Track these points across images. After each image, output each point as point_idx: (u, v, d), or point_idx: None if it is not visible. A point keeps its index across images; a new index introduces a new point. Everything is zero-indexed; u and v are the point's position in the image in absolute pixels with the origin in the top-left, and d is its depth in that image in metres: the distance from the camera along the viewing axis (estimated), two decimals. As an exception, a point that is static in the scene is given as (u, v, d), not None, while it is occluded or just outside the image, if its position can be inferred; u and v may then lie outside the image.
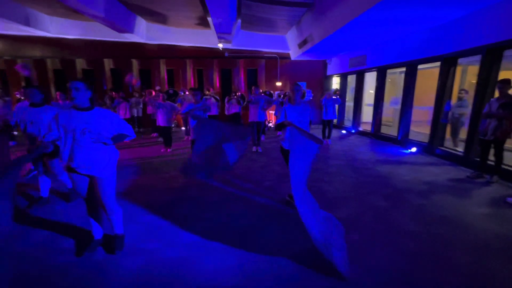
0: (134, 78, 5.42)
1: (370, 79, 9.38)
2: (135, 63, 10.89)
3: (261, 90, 7.81)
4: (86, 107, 2.20)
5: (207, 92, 8.54)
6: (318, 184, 4.31)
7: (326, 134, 7.86)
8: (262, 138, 8.14)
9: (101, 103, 9.00)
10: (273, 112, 10.42)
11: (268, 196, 3.82)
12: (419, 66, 6.90)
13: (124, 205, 3.34)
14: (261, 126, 6.89)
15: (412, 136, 7.28)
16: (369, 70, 8.89)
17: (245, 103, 9.22)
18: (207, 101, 4.74)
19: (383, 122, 8.75)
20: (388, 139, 8.06)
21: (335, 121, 11.22)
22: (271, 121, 10.89)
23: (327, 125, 7.78)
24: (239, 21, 9.21)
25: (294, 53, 10.77)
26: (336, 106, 7.98)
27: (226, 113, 8.09)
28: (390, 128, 8.50)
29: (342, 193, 3.96)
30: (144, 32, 9.89)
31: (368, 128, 9.11)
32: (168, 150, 6.88)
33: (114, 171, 2.35)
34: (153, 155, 6.48)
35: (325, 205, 3.48)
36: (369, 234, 2.83)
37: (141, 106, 9.54)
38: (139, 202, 3.60)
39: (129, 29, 8.74)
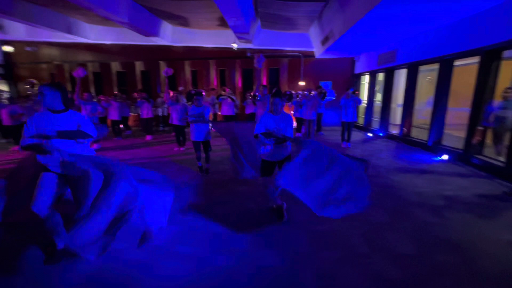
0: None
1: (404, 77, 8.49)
2: (162, 64, 11.46)
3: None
4: (58, 109, 2.29)
5: (223, 93, 8.58)
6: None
7: (346, 137, 7.31)
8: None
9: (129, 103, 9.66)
10: (293, 112, 10.06)
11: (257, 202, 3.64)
12: (457, 62, 6.01)
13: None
14: None
15: (446, 142, 6.38)
16: (399, 67, 8.04)
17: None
18: (207, 108, 4.67)
19: (418, 125, 7.85)
20: (417, 144, 7.19)
21: (360, 122, 10.48)
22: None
23: (347, 127, 7.23)
24: (259, 20, 9.10)
25: (318, 51, 10.28)
26: (357, 106, 7.36)
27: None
28: (425, 132, 7.58)
29: (339, 203, 3.59)
30: (170, 35, 10.35)
31: (398, 131, 8.27)
32: (181, 148, 7.07)
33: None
34: (166, 154, 6.69)
35: (310, 216, 3.19)
36: (351, 253, 2.49)
37: (166, 105, 10.01)
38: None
39: (155, 32, 9.22)
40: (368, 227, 2.96)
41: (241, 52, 10.84)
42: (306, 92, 8.21)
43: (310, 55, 11.00)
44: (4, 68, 11.31)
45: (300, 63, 11.20)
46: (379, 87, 9.75)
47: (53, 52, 11.49)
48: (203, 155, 4.83)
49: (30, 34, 10.40)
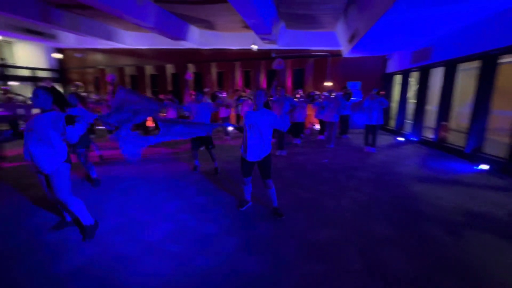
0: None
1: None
2: (191, 67, 11.97)
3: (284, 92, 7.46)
4: (46, 109, 2.45)
5: (244, 94, 8.64)
6: (320, 197, 3.80)
7: (370, 141, 6.85)
8: (298, 141, 7.72)
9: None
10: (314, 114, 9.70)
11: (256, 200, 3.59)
12: (504, 59, 5.24)
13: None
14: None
15: (488, 149, 5.61)
16: (435, 65, 7.27)
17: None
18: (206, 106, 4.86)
19: (458, 129, 7.02)
20: (453, 151, 6.44)
21: (391, 125, 9.71)
22: (315, 124, 10.21)
23: (371, 131, 6.76)
24: (282, 21, 8.98)
25: (345, 50, 9.78)
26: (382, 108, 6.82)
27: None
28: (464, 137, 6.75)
29: (341, 212, 3.37)
30: (198, 39, 10.76)
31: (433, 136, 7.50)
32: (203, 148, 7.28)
33: (63, 168, 2.52)
34: (182, 151, 6.96)
35: (308, 222, 3.06)
36: (340, 268, 2.32)
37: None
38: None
39: (182, 36, 9.66)
40: (367, 241, 2.73)
41: (266, 53, 10.82)
42: (326, 93, 7.87)
43: (337, 54, 10.54)
44: (58, 73, 12.85)
45: (327, 63, 10.79)
46: (412, 87, 8.95)
47: (98, 57, 12.73)
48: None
49: (79, 42, 11.67)
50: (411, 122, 8.61)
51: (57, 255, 2.48)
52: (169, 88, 12.13)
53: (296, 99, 7.57)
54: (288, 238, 2.81)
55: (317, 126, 10.12)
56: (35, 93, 2.40)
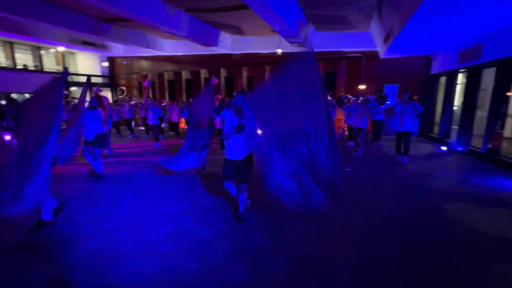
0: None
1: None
2: (222, 71, 12.35)
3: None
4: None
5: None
6: (329, 212, 3.55)
7: (402, 149, 6.23)
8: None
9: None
10: (343, 118, 9.15)
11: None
12: None
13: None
14: None
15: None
16: (487, 65, 6.32)
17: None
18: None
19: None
20: (507, 165, 5.49)
21: (434, 133, 8.69)
22: (345, 129, 9.65)
23: (404, 138, 6.15)
24: (311, 23, 8.74)
25: (382, 50, 9.10)
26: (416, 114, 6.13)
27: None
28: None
29: (348, 227, 3.10)
30: (229, 44, 11.07)
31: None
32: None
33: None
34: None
35: (308, 235, 2.89)
36: (328, 289, 2.13)
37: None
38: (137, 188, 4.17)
39: (214, 43, 10.04)
40: (368, 262, 2.46)
41: (296, 56, 10.63)
42: (353, 98, 7.39)
43: (372, 55, 9.87)
44: (108, 79, 14.39)
45: (361, 65, 10.16)
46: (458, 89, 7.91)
47: (142, 64, 13.93)
48: None
49: (125, 51, 12.94)
50: (458, 129, 7.60)
51: (66, 246, 2.75)
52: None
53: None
54: (283, 250, 2.68)
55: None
56: None
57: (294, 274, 2.31)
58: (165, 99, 12.79)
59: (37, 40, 10.52)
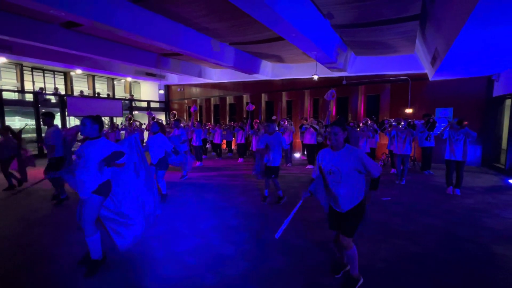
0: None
1: None
2: (263, 96, 12.95)
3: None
4: (92, 137, 2.63)
5: (305, 122, 8.67)
6: (357, 239, 3.39)
7: (454, 180, 5.60)
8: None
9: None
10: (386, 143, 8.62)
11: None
12: None
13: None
14: None
15: None
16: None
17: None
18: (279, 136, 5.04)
19: None
20: None
21: (502, 163, 7.55)
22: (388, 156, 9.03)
23: (456, 169, 5.53)
24: (350, 49, 8.79)
25: (430, 73, 8.56)
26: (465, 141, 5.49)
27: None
28: None
29: (373, 261, 2.92)
30: (270, 71, 11.72)
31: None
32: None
33: (96, 195, 2.56)
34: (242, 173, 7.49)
35: (328, 265, 2.83)
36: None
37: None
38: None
39: (255, 70, 10.77)
40: (389, 301, 2.30)
41: (336, 80, 10.66)
42: (394, 122, 7.00)
43: (420, 78, 9.32)
44: (164, 104, 16.31)
45: (408, 88, 9.63)
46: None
47: (192, 90, 15.51)
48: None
49: (179, 80, 14.66)
50: (529, 160, 6.51)
51: (109, 248, 3.20)
52: (244, 115, 13.43)
53: (359, 128, 7.07)
54: (299, 275, 2.68)
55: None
56: (82, 122, 2.63)
57: (305, 302, 2.30)
58: (210, 122, 13.86)
59: (111, 73, 12.74)
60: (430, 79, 9.03)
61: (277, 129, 5.17)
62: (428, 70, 8.58)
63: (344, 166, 2.26)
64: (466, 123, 5.31)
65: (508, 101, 8.01)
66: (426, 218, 4.22)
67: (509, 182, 6.61)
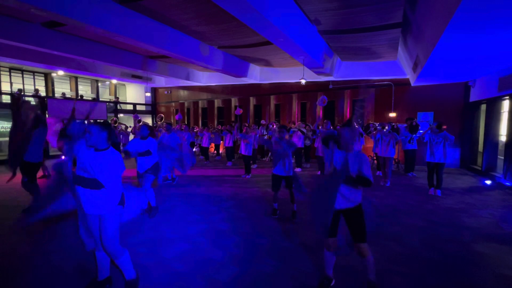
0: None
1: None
2: (252, 100, 12.99)
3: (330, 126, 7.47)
4: (100, 148, 2.23)
5: (293, 126, 8.77)
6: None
7: (434, 181, 5.82)
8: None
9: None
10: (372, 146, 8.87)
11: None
12: None
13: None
14: None
15: None
16: (531, 93, 5.83)
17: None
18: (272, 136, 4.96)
19: None
20: None
21: (478, 165, 7.92)
22: (374, 158, 9.29)
23: (435, 170, 5.76)
24: (336, 54, 9.00)
25: (412, 78, 8.91)
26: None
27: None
28: None
29: (359, 262, 2.98)
30: (258, 75, 11.78)
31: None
32: (247, 176, 7.66)
33: (116, 210, 2.26)
34: (231, 180, 7.45)
35: (317, 267, 2.85)
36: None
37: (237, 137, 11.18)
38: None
39: (243, 74, 10.79)
40: (376, 301, 2.35)
41: (322, 85, 10.87)
42: (378, 126, 7.22)
43: (402, 83, 9.67)
44: (151, 106, 16.02)
45: (391, 93, 9.96)
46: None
47: (180, 93, 15.33)
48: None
49: (166, 82, 14.46)
50: (504, 161, 6.88)
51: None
52: (232, 119, 13.40)
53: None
54: (288, 279, 2.69)
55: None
56: (87, 129, 2.20)
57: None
58: (198, 126, 13.73)
59: (95, 75, 12.38)
60: (412, 84, 9.39)
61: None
62: (410, 76, 8.92)
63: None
64: (445, 127, 5.56)
65: (483, 106, 8.46)
66: (410, 218, 4.36)
67: (485, 183, 6.95)
